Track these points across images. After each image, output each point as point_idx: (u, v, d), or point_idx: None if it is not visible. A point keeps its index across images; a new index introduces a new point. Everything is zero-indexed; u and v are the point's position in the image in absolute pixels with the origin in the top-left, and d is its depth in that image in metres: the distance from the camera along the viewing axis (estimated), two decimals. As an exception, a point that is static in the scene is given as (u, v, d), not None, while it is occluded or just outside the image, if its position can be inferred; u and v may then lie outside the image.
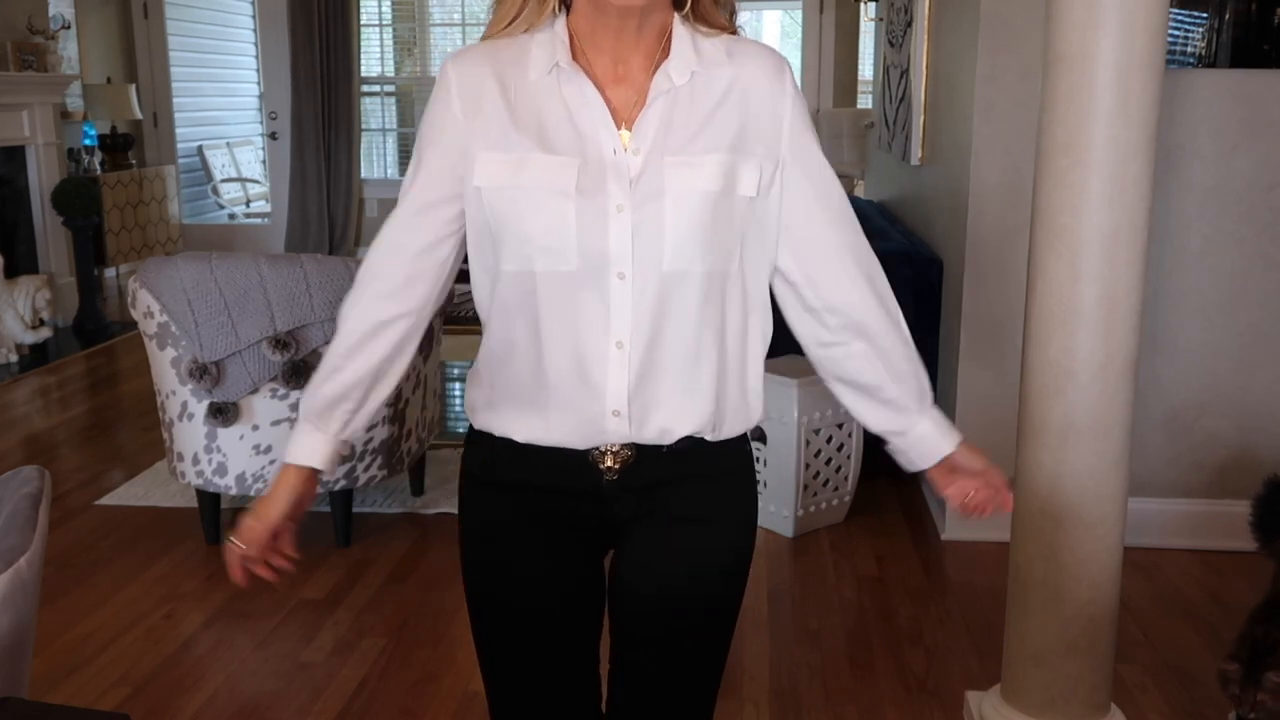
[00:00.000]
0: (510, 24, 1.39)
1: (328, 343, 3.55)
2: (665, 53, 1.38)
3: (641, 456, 1.41)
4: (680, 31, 1.38)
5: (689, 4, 1.39)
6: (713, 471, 1.46)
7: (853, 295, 1.47)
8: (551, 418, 1.40)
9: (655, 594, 1.47)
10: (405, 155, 9.42)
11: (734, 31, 1.42)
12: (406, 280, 1.42)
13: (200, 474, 3.36)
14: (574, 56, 1.37)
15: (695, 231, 1.35)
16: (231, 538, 1.44)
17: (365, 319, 1.43)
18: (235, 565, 1.45)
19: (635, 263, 1.34)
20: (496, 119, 1.36)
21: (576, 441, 1.40)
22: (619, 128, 1.36)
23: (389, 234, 1.44)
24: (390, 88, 9.42)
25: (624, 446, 1.41)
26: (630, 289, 1.35)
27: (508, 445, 1.43)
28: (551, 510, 1.45)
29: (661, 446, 1.41)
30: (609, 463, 1.41)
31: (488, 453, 1.47)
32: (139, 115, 8.20)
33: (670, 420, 1.40)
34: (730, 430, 1.45)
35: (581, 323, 1.36)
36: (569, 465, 1.41)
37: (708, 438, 1.43)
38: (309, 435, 1.45)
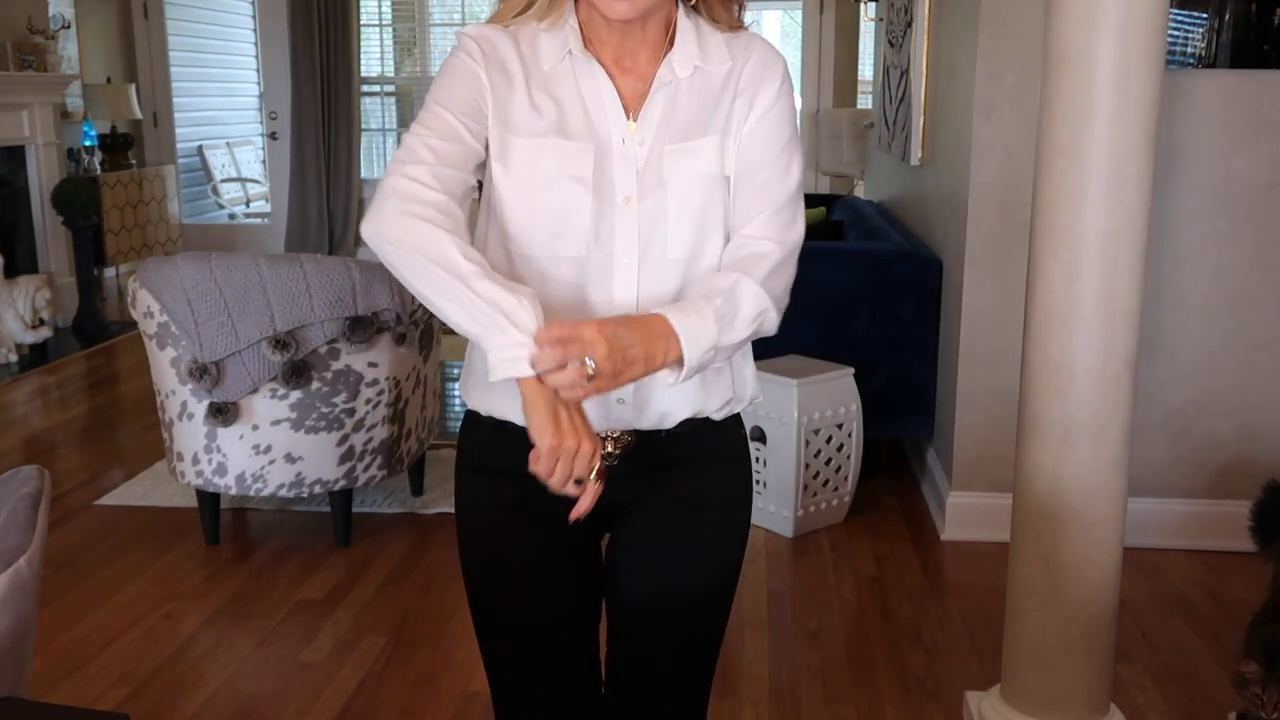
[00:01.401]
0: (522, 12, 1.39)
1: (329, 342, 3.52)
2: (671, 44, 1.39)
3: (642, 441, 1.42)
4: (685, 25, 1.40)
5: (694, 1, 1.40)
6: (711, 455, 1.48)
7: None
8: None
9: (652, 580, 1.48)
10: (405, 155, 9.41)
11: (740, 27, 1.43)
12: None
13: (200, 474, 3.36)
14: (584, 45, 1.38)
15: (697, 217, 1.38)
16: (588, 475, 1.28)
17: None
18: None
19: (641, 251, 1.37)
20: (516, 100, 1.37)
21: None
22: (627, 117, 1.38)
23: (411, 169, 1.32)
24: (390, 88, 9.42)
25: (625, 431, 1.42)
26: (635, 277, 1.36)
27: (504, 428, 1.43)
28: (548, 496, 1.45)
29: (661, 431, 1.42)
30: (609, 448, 1.42)
31: (484, 435, 1.47)
32: (139, 115, 8.20)
33: (670, 405, 1.42)
34: (728, 409, 1.47)
35: (585, 310, 1.37)
36: None
37: (713, 417, 1.45)
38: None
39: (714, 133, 1.39)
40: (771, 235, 1.38)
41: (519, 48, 1.39)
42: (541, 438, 1.25)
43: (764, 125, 1.40)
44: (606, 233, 1.36)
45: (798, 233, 1.41)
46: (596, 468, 1.27)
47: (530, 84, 1.38)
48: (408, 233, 1.28)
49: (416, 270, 1.28)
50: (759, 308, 1.34)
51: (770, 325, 1.38)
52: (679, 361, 1.28)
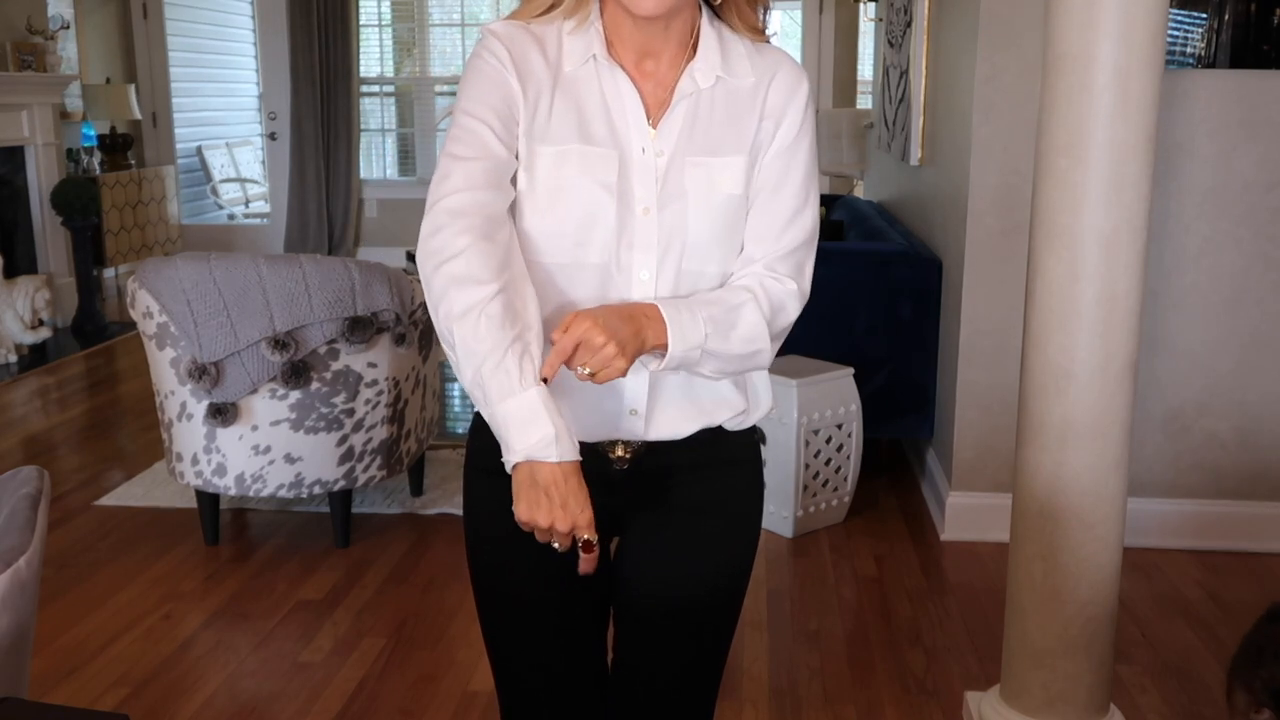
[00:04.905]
0: (547, 11, 1.38)
1: (328, 342, 3.52)
2: (693, 51, 1.38)
3: (653, 447, 1.42)
4: (708, 32, 1.39)
5: (720, 2, 1.39)
6: (721, 461, 1.47)
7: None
8: (564, 412, 1.39)
9: (660, 585, 1.48)
10: (405, 155, 9.41)
11: (763, 33, 1.42)
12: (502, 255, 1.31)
13: (199, 474, 3.36)
14: (608, 48, 1.37)
15: (716, 233, 1.37)
16: (589, 538, 1.30)
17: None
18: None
19: (659, 262, 1.36)
20: (542, 106, 1.36)
21: (589, 436, 1.40)
22: (648, 124, 1.37)
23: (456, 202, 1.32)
24: (390, 88, 9.41)
25: (635, 438, 1.42)
26: (653, 288, 1.36)
27: None
28: None
29: (672, 440, 1.42)
30: (620, 452, 1.42)
31: (492, 438, 1.46)
32: (138, 115, 8.20)
33: (685, 419, 1.42)
34: (741, 421, 1.47)
35: None
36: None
37: (726, 426, 1.45)
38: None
39: (740, 153, 1.38)
40: (791, 273, 1.40)
41: (544, 49, 1.37)
42: (533, 517, 1.27)
43: (788, 155, 1.40)
44: (626, 242, 1.35)
45: (809, 277, 1.43)
46: (583, 539, 1.28)
47: (555, 89, 1.36)
48: (450, 300, 1.28)
49: (451, 345, 1.29)
50: (757, 336, 1.36)
51: (764, 360, 1.40)
52: (664, 348, 1.30)
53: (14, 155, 6.53)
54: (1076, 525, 2.21)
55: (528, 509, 1.26)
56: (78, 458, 4.40)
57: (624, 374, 1.28)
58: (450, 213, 1.30)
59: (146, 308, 3.29)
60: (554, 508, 1.25)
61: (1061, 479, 2.21)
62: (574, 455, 1.27)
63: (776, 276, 1.39)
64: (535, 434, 1.24)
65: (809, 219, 1.41)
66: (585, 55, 1.37)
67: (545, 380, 1.26)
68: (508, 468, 1.28)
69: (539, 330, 1.29)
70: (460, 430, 4.72)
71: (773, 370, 3.86)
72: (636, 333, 1.28)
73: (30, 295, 5.90)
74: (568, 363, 1.26)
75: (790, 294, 1.39)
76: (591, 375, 1.26)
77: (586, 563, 1.31)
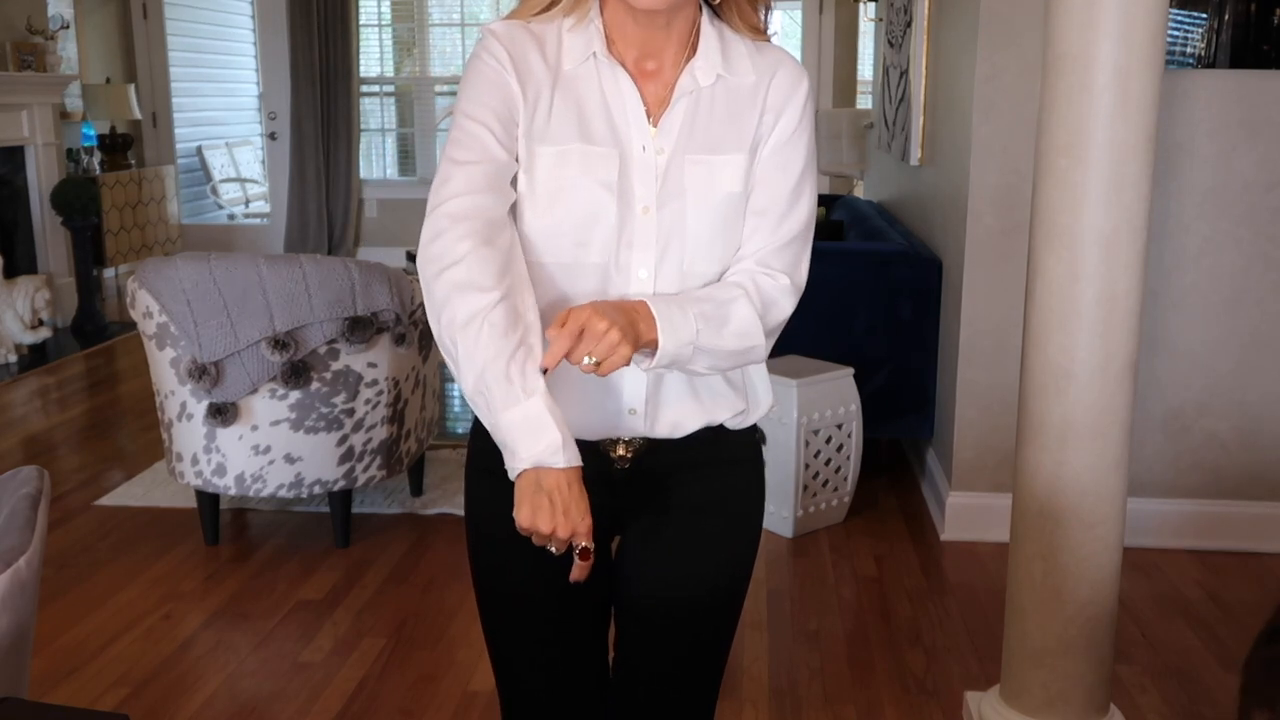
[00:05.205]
0: (546, 9, 1.38)
1: (328, 342, 3.51)
2: (694, 50, 1.38)
3: (653, 446, 1.42)
4: (708, 31, 1.39)
5: (720, 1, 1.39)
6: (722, 460, 1.48)
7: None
8: (563, 411, 1.40)
9: (661, 584, 1.48)
10: (405, 155, 9.41)
11: (764, 33, 1.42)
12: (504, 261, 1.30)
13: (199, 474, 3.36)
14: (608, 47, 1.37)
15: (715, 231, 1.37)
16: (586, 545, 1.30)
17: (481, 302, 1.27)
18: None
19: (658, 261, 1.36)
20: (542, 106, 1.36)
21: (588, 435, 1.40)
22: (648, 123, 1.37)
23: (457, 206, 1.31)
24: (390, 88, 9.41)
25: (635, 436, 1.42)
26: (651, 287, 1.36)
27: None
28: None
29: (673, 438, 1.43)
30: (620, 451, 1.42)
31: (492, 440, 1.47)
32: (138, 115, 8.20)
33: (685, 417, 1.42)
34: (742, 419, 1.47)
35: None
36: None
37: (728, 425, 1.45)
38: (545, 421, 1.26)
39: (740, 151, 1.38)
40: (786, 268, 1.39)
41: (543, 49, 1.37)
42: (534, 522, 1.27)
43: (786, 150, 1.40)
44: (626, 241, 1.35)
45: (805, 271, 1.43)
46: (580, 546, 1.29)
47: (555, 88, 1.36)
48: (453, 308, 1.27)
49: (452, 354, 1.29)
50: (751, 332, 1.36)
51: (759, 355, 1.40)
52: (655, 344, 1.29)
53: (14, 155, 6.53)
54: (1076, 525, 2.21)
55: (530, 515, 1.26)
56: (78, 458, 4.40)
57: (628, 362, 1.26)
58: (451, 217, 1.30)
59: (146, 308, 3.29)
60: (556, 514, 1.25)
61: (1061, 479, 2.21)
62: (578, 460, 1.27)
63: (769, 272, 1.39)
64: (543, 440, 1.24)
65: (805, 213, 1.42)
66: (585, 53, 1.36)
67: (544, 371, 1.25)
68: (512, 475, 1.27)
69: (540, 336, 1.29)
70: (460, 430, 4.72)
71: (772, 370, 3.86)
72: (632, 324, 1.27)
73: (30, 295, 5.90)
74: (571, 355, 1.24)
75: (783, 289, 1.39)
76: (596, 365, 1.24)
77: (580, 570, 1.30)
